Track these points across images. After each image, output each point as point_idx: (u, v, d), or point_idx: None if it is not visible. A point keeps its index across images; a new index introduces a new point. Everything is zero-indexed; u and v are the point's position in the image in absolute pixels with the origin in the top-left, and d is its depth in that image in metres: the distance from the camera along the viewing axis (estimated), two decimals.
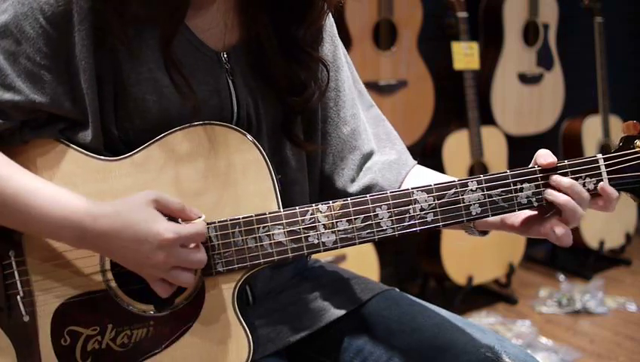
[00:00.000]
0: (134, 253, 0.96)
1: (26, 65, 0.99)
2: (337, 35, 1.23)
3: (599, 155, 1.05)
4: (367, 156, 1.22)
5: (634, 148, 1.06)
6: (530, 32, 3.30)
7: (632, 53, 4.06)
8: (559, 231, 1.03)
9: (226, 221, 1.02)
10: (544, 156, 1.05)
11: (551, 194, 1.04)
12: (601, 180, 1.05)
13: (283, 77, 1.12)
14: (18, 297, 1.01)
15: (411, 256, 3.24)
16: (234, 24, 1.11)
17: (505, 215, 1.09)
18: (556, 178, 1.04)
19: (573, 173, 1.04)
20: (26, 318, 1.02)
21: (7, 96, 0.98)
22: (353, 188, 1.20)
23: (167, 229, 0.95)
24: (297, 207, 1.04)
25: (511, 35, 3.23)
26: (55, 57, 0.99)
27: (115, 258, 0.99)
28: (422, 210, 1.04)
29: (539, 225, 1.06)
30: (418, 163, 1.26)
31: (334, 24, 1.23)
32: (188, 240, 0.97)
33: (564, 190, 1.03)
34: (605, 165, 1.05)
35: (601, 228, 3.50)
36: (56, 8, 0.98)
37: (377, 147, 1.23)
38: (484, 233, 1.13)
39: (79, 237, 0.96)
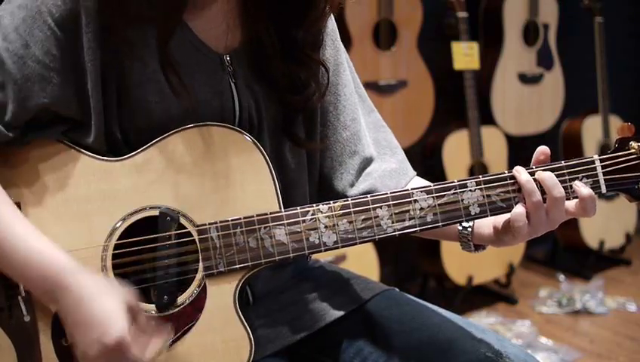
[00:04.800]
0: (80, 333, 0.95)
1: (35, 68, 0.99)
2: (339, 38, 1.24)
3: (595, 156, 1.06)
4: (367, 161, 1.22)
5: (629, 149, 1.07)
6: (530, 32, 3.30)
7: (632, 53, 4.06)
8: (516, 209, 1.03)
9: (228, 221, 1.03)
10: (541, 149, 1.07)
11: (517, 171, 1.05)
12: (598, 181, 1.05)
13: (283, 77, 1.12)
14: (19, 297, 1.01)
15: (411, 255, 3.24)
16: (236, 25, 1.11)
17: (495, 223, 1.09)
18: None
19: (569, 173, 1.05)
20: (27, 318, 1.02)
21: (16, 100, 0.98)
22: (352, 192, 1.20)
23: (118, 328, 0.92)
24: (298, 207, 1.04)
25: (511, 35, 3.23)
26: (63, 59, 1.00)
27: (66, 320, 0.97)
28: (421, 209, 1.05)
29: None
30: (418, 164, 1.26)
31: (336, 28, 1.23)
32: (127, 354, 0.93)
33: (538, 176, 1.04)
34: (601, 166, 1.06)
35: (601, 228, 3.50)
36: (64, 10, 0.98)
37: (377, 153, 1.23)
38: (478, 249, 1.14)
39: (46, 291, 0.96)
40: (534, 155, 1.08)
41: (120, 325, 0.93)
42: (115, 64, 1.02)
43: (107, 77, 1.02)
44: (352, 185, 1.21)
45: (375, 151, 1.23)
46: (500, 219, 1.08)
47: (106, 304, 0.94)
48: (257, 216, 1.03)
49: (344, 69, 1.23)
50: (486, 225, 1.10)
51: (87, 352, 0.94)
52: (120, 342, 0.92)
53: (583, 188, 1.04)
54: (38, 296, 0.99)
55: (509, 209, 1.05)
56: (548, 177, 1.03)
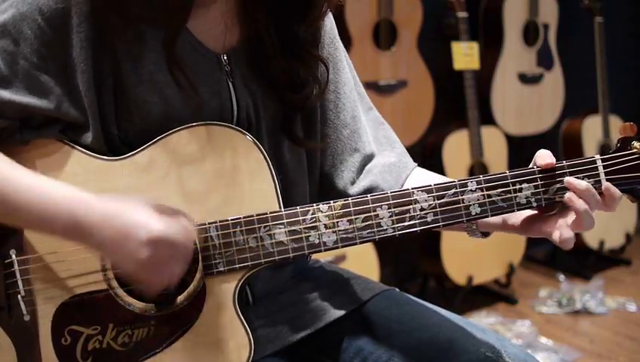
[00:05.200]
0: (121, 247, 0.94)
1: (23, 65, 0.99)
2: (338, 37, 1.24)
3: (597, 156, 1.06)
4: (368, 158, 1.22)
5: (631, 149, 1.07)
6: (530, 32, 3.30)
7: (632, 53, 4.06)
8: (566, 235, 1.03)
9: (227, 220, 1.02)
10: (542, 156, 1.06)
11: (570, 201, 1.03)
12: (599, 181, 1.05)
13: (283, 74, 1.12)
14: (19, 296, 1.01)
15: (411, 255, 3.25)
16: (234, 24, 1.11)
17: (506, 215, 1.09)
18: (572, 181, 1.03)
19: (571, 173, 1.05)
20: (27, 317, 1.02)
21: (4, 94, 0.98)
22: (353, 190, 1.20)
23: (157, 224, 0.93)
24: (298, 207, 1.04)
25: (511, 35, 3.23)
26: (52, 58, 1.00)
27: (104, 252, 0.97)
28: (422, 210, 1.05)
29: (541, 223, 1.07)
30: (418, 164, 1.26)
31: (335, 26, 1.23)
32: (176, 242, 0.94)
33: (580, 193, 1.03)
34: (603, 166, 1.06)
35: (601, 228, 3.50)
36: (54, 8, 0.98)
37: (377, 150, 1.23)
38: (485, 234, 1.14)
39: (70, 226, 0.94)
40: (536, 157, 1.07)
41: (158, 221, 0.93)
42: (111, 64, 1.02)
43: (102, 77, 1.02)
44: (353, 183, 1.21)
45: (375, 148, 1.23)
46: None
47: (136, 211, 0.94)
48: (257, 215, 1.03)
49: (343, 66, 1.23)
50: None
51: (138, 259, 0.93)
52: (165, 233, 0.93)
53: (616, 191, 1.04)
54: (64, 235, 0.96)
55: (510, 209, 1.05)
56: (589, 188, 1.03)
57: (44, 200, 0.95)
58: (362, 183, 1.20)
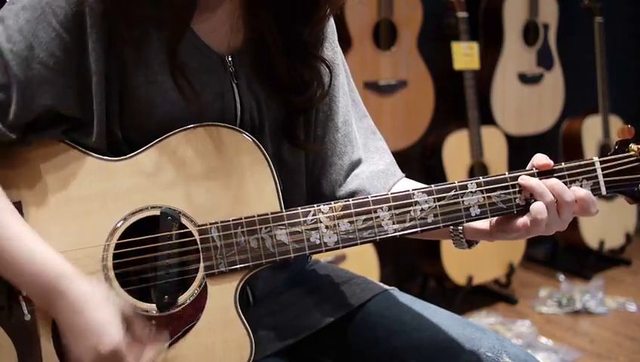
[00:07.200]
0: (77, 337, 0.96)
1: (38, 69, 0.99)
2: (337, 41, 1.24)
3: (595, 158, 1.07)
4: (355, 163, 1.22)
5: (629, 151, 1.07)
6: (530, 32, 3.30)
7: (632, 53, 4.06)
8: (534, 207, 1.03)
9: (229, 221, 1.03)
10: (539, 158, 1.06)
11: (522, 179, 1.05)
12: (598, 183, 1.06)
13: (286, 76, 1.12)
14: (20, 296, 1.01)
15: (411, 255, 3.25)
16: (239, 26, 1.12)
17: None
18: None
19: (570, 175, 1.06)
20: (28, 317, 1.02)
21: (16, 106, 0.99)
22: (340, 192, 1.21)
23: (114, 335, 0.95)
24: (299, 208, 1.04)
25: (511, 35, 3.24)
26: (67, 61, 1.00)
27: (62, 325, 0.98)
28: (422, 211, 1.05)
29: (515, 219, 1.06)
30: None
31: (335, 30, 1.24)
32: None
33: (544, 183, 1.04)
34: (601, 168, 1.06)
35: (601, 228, 3.51)
36: (68, 11, 0.98)
37: (365, 157, 1.24)
38: (470, 244, 1.13)
39: (45, 294, 0.96)
40: (533, 160, 1.07)
41: (115, 335, 0.95)
42: (117, 65, 1.02)
43: (110, 77, 1.02)
44: (340, 186, 1.21)
45: (364, 155, 1.24)
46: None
47: (101, 313, 0.95)
48: (258, 216, 1.03)
49: (340, 71, 1.23)
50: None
51: (81, 358, 0.96)
52: (114, 351, 0.94)
53: (579, 189, 1.05)
54: (33, 299, 0.99)
55: (509, 210, 1.05)
56: (556, 183, 1.04)
57: (25, 260, 0.96)
58: (349, 186, 1.20)
